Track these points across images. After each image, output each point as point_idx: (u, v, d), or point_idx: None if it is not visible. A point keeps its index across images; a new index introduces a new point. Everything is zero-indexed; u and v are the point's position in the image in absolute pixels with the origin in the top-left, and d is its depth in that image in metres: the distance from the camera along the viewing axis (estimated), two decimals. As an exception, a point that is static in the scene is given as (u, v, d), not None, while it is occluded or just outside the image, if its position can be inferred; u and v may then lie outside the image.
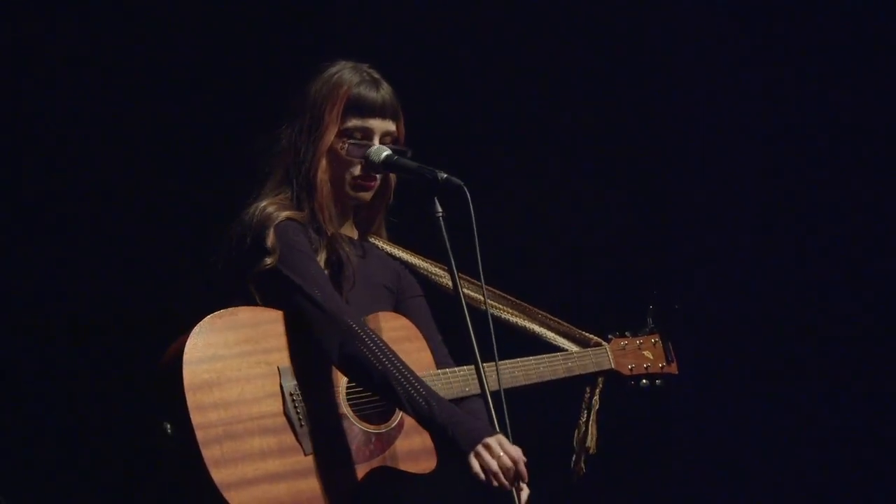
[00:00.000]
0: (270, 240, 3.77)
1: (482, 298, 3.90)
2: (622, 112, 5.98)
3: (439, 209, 3.70)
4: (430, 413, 3.64)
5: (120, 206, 5.23)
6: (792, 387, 5.90)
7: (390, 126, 3.94)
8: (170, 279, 5.16)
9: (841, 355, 5.88)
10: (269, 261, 3.76)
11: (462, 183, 3.69)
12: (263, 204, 3.86)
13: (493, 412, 3.61)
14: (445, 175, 3.72)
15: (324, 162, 3.91)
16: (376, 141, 3.92)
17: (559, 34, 5.88)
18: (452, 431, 3.62)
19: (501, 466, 3.58)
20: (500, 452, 3.58)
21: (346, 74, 3.95)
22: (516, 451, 3.60)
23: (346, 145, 3.90)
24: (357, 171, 3.92)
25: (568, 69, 5.91)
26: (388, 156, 3.87)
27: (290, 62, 5.23)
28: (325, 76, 3.96)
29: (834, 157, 5.94)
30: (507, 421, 3.62)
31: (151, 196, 5.27)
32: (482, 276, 3.74)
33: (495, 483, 3.58)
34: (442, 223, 3.69)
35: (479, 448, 3.59)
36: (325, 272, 3.83)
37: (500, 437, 3.61)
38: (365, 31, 5.54)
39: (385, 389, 3.68)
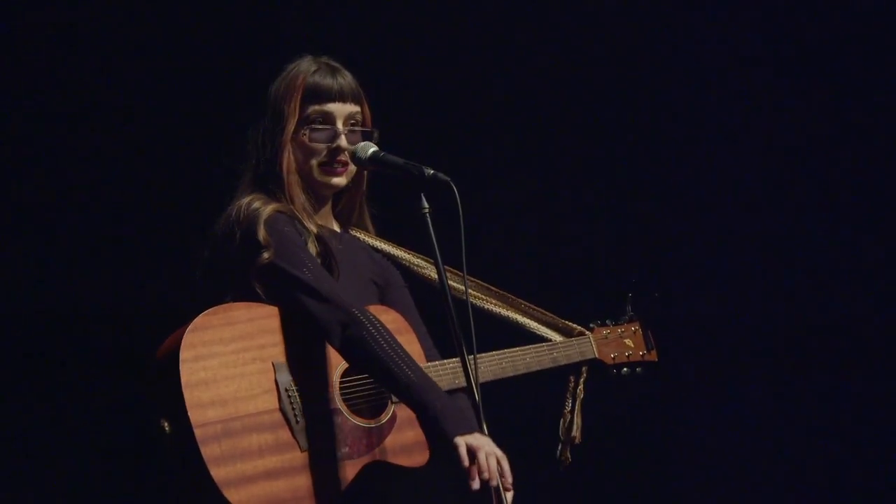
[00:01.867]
0: (262, 234, 3.75)
1: (464, 289, 3.92)
2: (603, 98, 5.99)
3: (426, 205, 3.70)
4: (423, 402, 3.65)
5: (112, 203, 5.22)
6: (782, 378, 5.95)
7: (352, 108, 3.94)
8: (161, 276, 5.15)
9: (837, 346, 5.94)
10: (266, 255, 3.74)
11: (449, 179, 3.69)
12: (247, 200, 3.85)
13: (480, 405, 3.62)
14: (432, 171, 3.72)
15: (288, 153, 3.90)
16: (339, 124, 3.91)
17: (548, 29, 5.89)
18: (444, 420, 3.62)
19: (488, 459, 3.59)
20: (488, 448, 3.59)
21: (303, 66, 3.95)
22: (501, 453, 3.61)
23: (308, 131, 3.89)
24: (323, 156, 3.91)
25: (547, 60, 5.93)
26: (374, 152, 3.87)
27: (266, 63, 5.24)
28: (283, 73, 3.97)
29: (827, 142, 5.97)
30: (482, 415, 3.63)
31: (144, 192, 5.26)
32: (465, 269, 3.75)
33: (480, 475, 3.57)
34: (428, 219, 3.69)
35: (469, 438, 3.60)
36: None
37: (489, 439, 3.62)
38: (357, 27, 5.54)
39: (384, 374, 3.68)
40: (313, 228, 3.89)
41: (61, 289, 5.17)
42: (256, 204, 3.82)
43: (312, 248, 3.86)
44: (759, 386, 5.94)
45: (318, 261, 3.85)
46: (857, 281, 5.92)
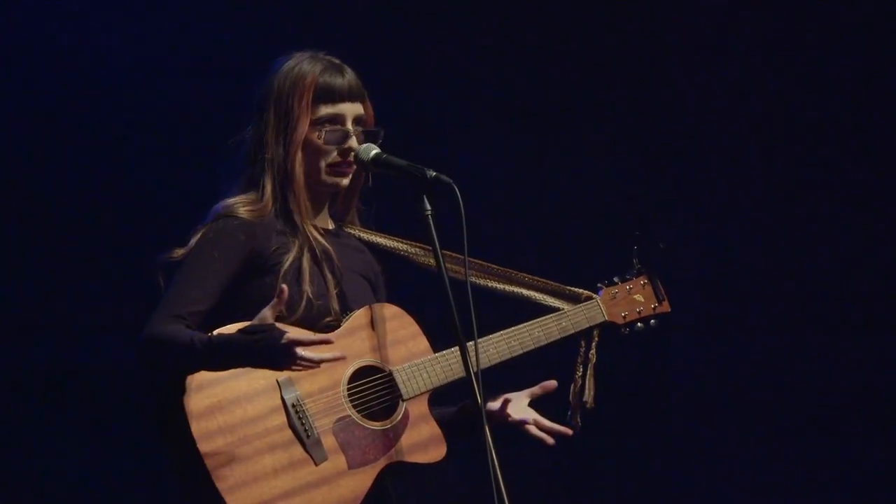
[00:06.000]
0: (198, 236, 3.79)
1: (463, 270, 3.91)
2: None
3: (428, 207, 3.71)
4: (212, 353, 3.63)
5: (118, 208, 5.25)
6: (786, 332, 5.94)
7: (359, 109, 3.95)
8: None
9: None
10: (177, 254, 3.79)
11: (451, 181, 3.70)
12: (230, 201, 3.88)
13: (480, 391, 3.64)
14: (434, 173, 3.73)
15: (300, 154, 3.90)
16: (349, 125, 3.92)
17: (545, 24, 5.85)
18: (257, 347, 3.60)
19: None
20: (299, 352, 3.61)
21: (308, 64, 3.94)
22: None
23: (324, 134, 3.90)
24: (332, 157, 3.92)
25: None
26: (376, 154, 3.88)
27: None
28: (284, 70, 3.94)
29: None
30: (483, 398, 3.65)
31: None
32: (466, 271, 3.76)
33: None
34: (431, 221, 3.71)
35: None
36: (217, 287, 3.78)
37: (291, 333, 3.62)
38: (357, 24, 5.51)
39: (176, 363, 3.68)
40: (312, 231, 3.91)
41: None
42: (228, 202, 3.86)
43: (304, 250, 3.87)
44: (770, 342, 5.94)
45: (310, 264, 3.86)
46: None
